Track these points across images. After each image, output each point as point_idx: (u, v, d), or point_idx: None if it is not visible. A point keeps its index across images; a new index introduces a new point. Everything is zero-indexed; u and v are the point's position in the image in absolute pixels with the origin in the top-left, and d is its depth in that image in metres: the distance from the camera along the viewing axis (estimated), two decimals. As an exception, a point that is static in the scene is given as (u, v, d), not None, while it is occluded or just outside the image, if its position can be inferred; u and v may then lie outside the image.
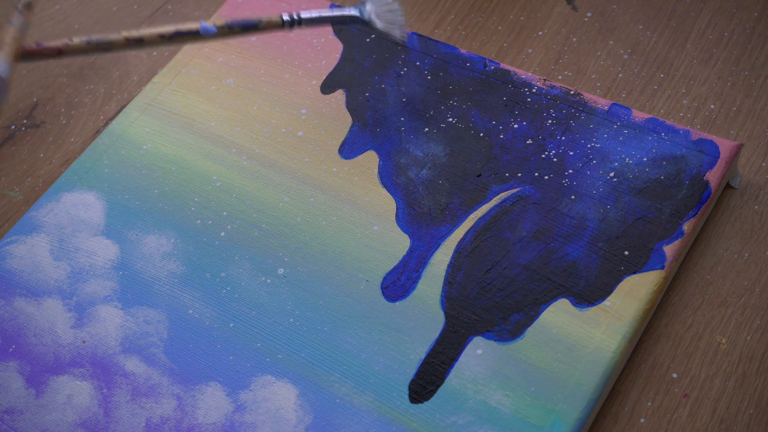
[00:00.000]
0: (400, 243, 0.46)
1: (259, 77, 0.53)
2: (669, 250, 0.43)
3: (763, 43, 0.53)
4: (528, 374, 0.41)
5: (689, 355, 0.43)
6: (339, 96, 0.52)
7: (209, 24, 0.45)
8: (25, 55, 0.43)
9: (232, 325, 0.44)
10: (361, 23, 0.48)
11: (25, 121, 0.56)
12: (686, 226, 0.44)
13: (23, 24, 0.42)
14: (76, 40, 0.43)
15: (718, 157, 0.46)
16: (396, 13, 0.48)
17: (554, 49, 0.55)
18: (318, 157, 0.49)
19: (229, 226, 0.48)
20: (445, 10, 0.58)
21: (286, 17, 0.47)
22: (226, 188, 0.49)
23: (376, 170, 0.48)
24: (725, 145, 0.46)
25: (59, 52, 0.44)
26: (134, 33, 0.45)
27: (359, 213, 0.47)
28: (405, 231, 0.46)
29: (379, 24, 0.47)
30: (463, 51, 0.52)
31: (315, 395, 0.42)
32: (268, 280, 0.45)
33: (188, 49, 0.55)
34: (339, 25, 0.51)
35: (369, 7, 0.48)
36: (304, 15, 0.47)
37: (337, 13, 0.48)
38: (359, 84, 0.52)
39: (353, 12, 0.48)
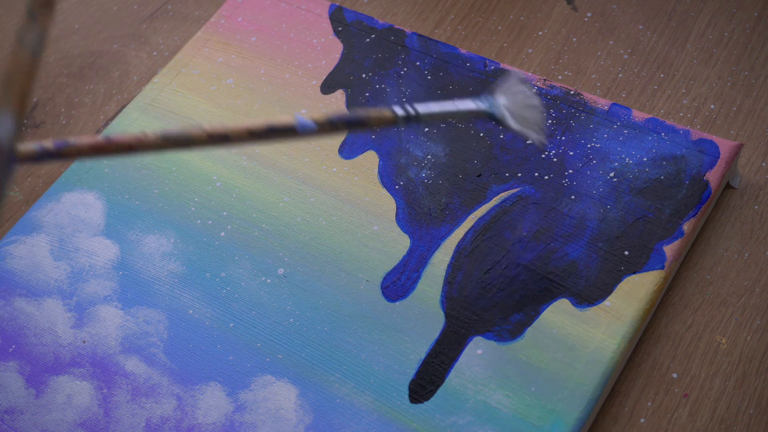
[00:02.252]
0: (400, 243, 0.46)
1: (259, 77, 0.53)
2: (669, 250, 0.43)
3: (763, 43, 0.53)
4: (528, 374, 0.41)
5: (689, 355, 0.43)
6: (339, 96, 0.52)
7: (307, 119, 0.37)
8: (94, 151, 0.36)
9: (232, 325, 0.44)
10: (491, 120, 0.39)
11: (25, 121, 0.56)
12: (686, 226, 0.44)
13: (39, 38, 0.37)
14: (151, 135, 0.36)
15: (718, 157, 0.46)
16: (535, 110, 0.39)
17: (554, 49, 0.55)
18: (318, 157, 0.49)
19: (229, 226, 0.48)
20: (445, 10, 0.58)
21: (400, 112, 0.38)
22: (226, 188, 0.49)
23: (376, 170, 0.48)
24: (725, 145, 0.46)
25: (130, 149, 0.37)
26: (218, 129, 0.36)
27: (359, 213, 0.47)
28: (405, 231, 0.46)
29: (513, 123, 0.39)
30: (463, 51, 0.52)
31: (315, 395, 0.42)
32: (268, 280, 0.45)
33: (188, 49, 0.55)
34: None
35: (502, 101, 0.39)
36: (422, 109, 0.38)
37: (462, 107, 0.39)
38: (359, 84, 0.52)
39: (483, 106, 0.39)
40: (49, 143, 0.36)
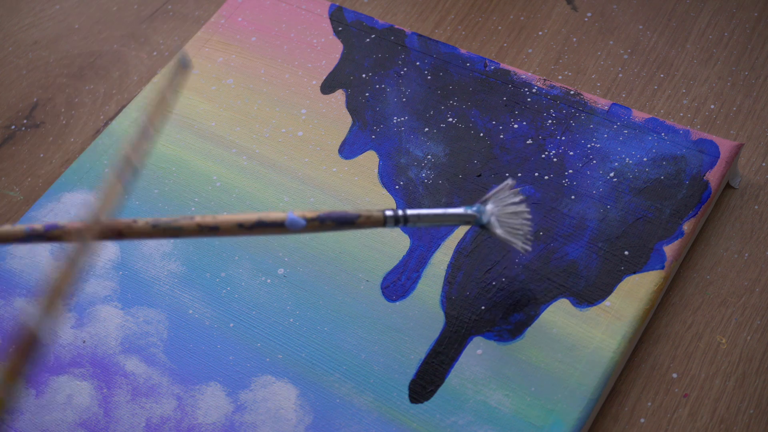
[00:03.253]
0: (400, 243, 0.46)
1: (259, 77, 0.53)
2: (669, 250, 0.43)
3: (763, 43, 0.53)
4: (528, 374, 0.41)
5: (689, 355, 0.43)
6: (339, 96, 0.52)
7: (297, 216, 0.38)
8: (83, 234, 0.35)
9: (232, 325, 0.44)
10: (478, 226, 0.40)
11: (25, 121, 0.56)
12: (686, 226, 0.44)
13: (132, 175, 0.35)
14: (141, 222, 0.37)
15: (718, 157, 0.46)
16: (521, 217, 0.40)
17: (554, 49, 0.55)
18: (318, 157, 0.49)
19: (229, 226, 0.48)
20: (445, 10, 0.58)
21: (389, 213, 0.39)
22: (226, 188, 0.49)
23: (376, 170, 0.48)
24: (725, 145, 0.46)
25: (119, 235, 0.37)
26: (209, 219, 0.38)
27: (359, 213, 0.47)
28: (405, 231, 0.46)
29: (498, 230, 0.39)
30: (463, 51, 0.52)
31: (315, 395, 0.42)
32: (268, 280, 0.45)
33: (188, 49, 0.55)
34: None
35: (490, 208, 0.40)
36: (411, 212, 0.39)
37: (450, 211, 0.40)
38: (359, 84, 0.52)
39: (470, 211, 0.40)
40: (38, 226, 0.37)
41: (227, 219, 0.38)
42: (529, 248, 0.40)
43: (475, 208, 0.40)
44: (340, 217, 0.38)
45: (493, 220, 0.40)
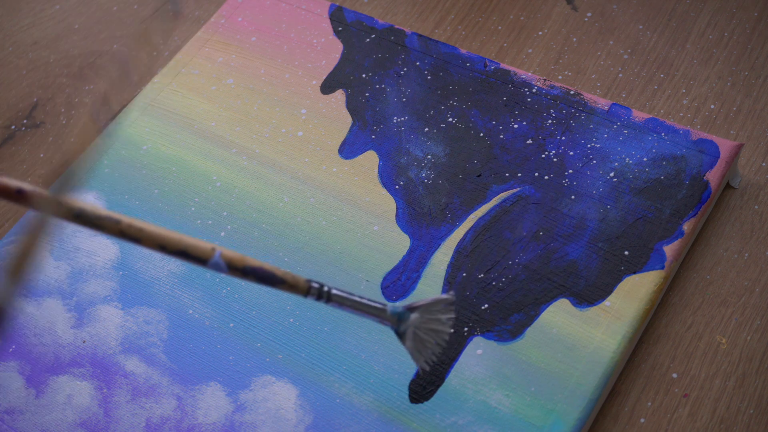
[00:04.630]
0: (400, 243, 0.46)
1: (259, 77, 0.53)
2: (669, 250, 0.43)
3: (763, 43, 0.53)
4: (528, 374, 0.41)
5: (689, 355, 0.43)
6: (339, 96, 0.52)
7: (223, 261, 0.36)
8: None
9: (232, 325, 0.44)
10: (392, 328, 0.39)
11: (25, 121, 0.56)
12: (686, 226, 0.44)
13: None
14: (65, 208, 0.35)
15: (718, 157, 0.46)
16: (439, 336, 0.39)
17: (554, 49, 0.55)
18: (318, 157, 0.49)
19: (229, 226, 0.48)
20: (445, 10, 0.58)
21: (315, 285, 0.38)
22: (226, 188, 0.49)
23: (376, 170, 0.48)
24: (725, 145, 0.46)
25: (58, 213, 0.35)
26: (134, 229, 0.36)
27: (359, 213, 0.47)
28: (405, 231, 0.46)
29: (408, 343, 0.38)
30: (463, 51, 0.52)
31: (315, 395, 0.42)
32: (268, 280, 0.45)
33: (188, 49, 0.55)
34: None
35: (413, 318, 0.38)
36: (335, 292, 0.38)
37: (373, 304, 0.38)
38: (359, 84, 0.52)
39: (393, 312, 0.38)
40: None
41: (153, 234, 0.36)
42: (427, 369, 0.39)
43: (399, 311, 0.38)
44: (265, 276, 0.37)
45: (409, 331, 0.38)
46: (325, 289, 0.38)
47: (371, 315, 0.38)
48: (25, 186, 0.36)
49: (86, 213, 0.36)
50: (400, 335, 0.39)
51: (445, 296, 0.39)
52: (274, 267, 0.37)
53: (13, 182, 0.36)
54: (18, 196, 0.36)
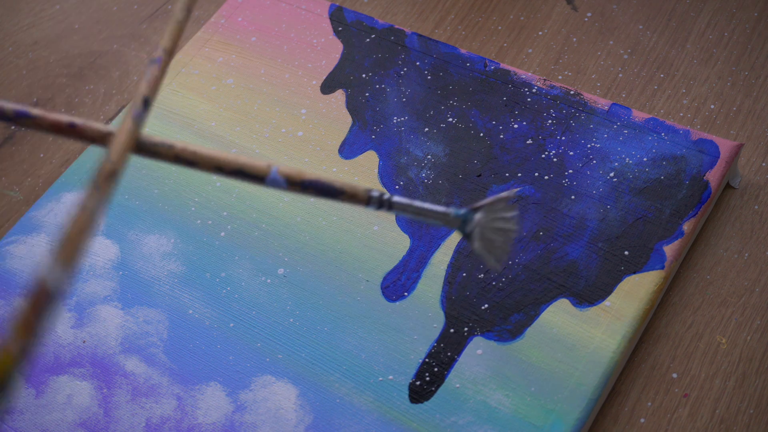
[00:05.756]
0: (400, 243, 0.46)
1: (259, 77, 0.53)
2: (669, 250, 0.43)
3: (763, 43, 0.53)
4: (528, 374, 0.41)
5: (689, 355, 0.43)
6: (339, 96, 0.52)
7: (281, 176, 0.36)
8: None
9: (232, 325, 0.44)
10: (459, 232, 0.38)
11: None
12: (686, 226, 0.44)
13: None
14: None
15: (718, 157, 0.46)
16: (506, 234, 0.38)
17: (554, 49, 0.55)
18: (318, 157, 0.49)
19: (229, 226, 0.48)
20: (445, 10, 0.58)
21: (374, 194, 0.36)
22: (226, 188, 0.49)
23: (376, 170, 0.48)
24: (725, 145, 0.46)
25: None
26: (188, 152, 0.36)
27: (359, 213, 0.47)
28: (405, 231, 0.46)
29: (477, 244, 0.37)
30: (463, 51, 0.52)
31: (315, 395, 0.42)
32: (268, 280, 0.45)
33: (188, 49, 0.55)
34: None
35: (478, 218, 0.37)
36: (396, 199, 0.37)
37: (436, 208, 0.37)
38: (359, 84, 0.52)
39: (457, 215, 0.37)
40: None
41: (208, 157, 0.35)
42: (500, 269, 0.38)
43: (462, 213, 0.37)
44: (324, 188, 0.36)
45: (476, 231, 0.37)
46: (386, 197, 0.37)
47: (435, 219, 0.38)
48: (77, 120, 0.36)
49: (142, 140, 0.35)
50: (468, 237, 0.37)
51: (505, 194, 0.38)
52: (332, 178, 0.37)
53: (65, 117, 0.36)
54: (71, 130, 0.36)
